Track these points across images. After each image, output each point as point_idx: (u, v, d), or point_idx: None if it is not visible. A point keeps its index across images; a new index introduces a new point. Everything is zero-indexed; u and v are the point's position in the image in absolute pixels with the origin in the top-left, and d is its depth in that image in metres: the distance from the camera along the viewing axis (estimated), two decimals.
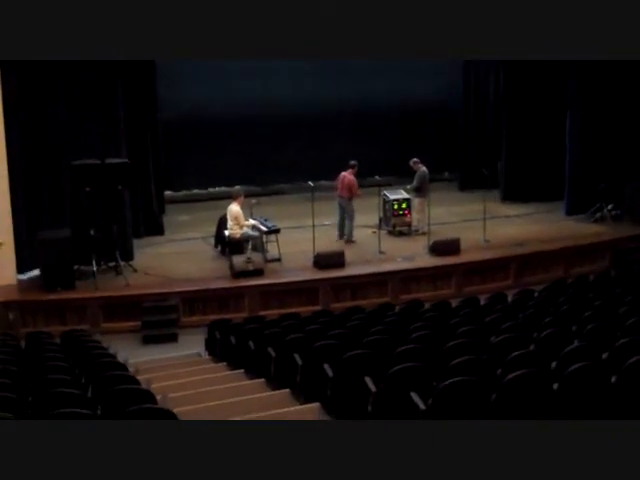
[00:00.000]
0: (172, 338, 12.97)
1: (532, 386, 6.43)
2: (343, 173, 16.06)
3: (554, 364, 7.22)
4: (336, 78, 20.50)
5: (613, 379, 6.59)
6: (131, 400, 6.03)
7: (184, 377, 9.18)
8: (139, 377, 8.49)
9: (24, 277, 13.97)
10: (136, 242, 15.74)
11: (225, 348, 10.89)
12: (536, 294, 11.68)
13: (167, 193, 19.77)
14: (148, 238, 16.38)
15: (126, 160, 13.87)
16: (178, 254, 15.35)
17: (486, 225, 16.01)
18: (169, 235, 16.76)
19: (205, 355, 11.81)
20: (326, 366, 7.92)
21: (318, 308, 13.39)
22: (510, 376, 6.44)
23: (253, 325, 10.71)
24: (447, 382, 6.37)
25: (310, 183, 15.28)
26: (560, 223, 17.01)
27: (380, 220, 16.34)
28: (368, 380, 7.21)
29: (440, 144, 21.40)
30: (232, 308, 13.49)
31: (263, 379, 9.12)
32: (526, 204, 18.50)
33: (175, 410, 6.33)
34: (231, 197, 14.62)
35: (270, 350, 9.20)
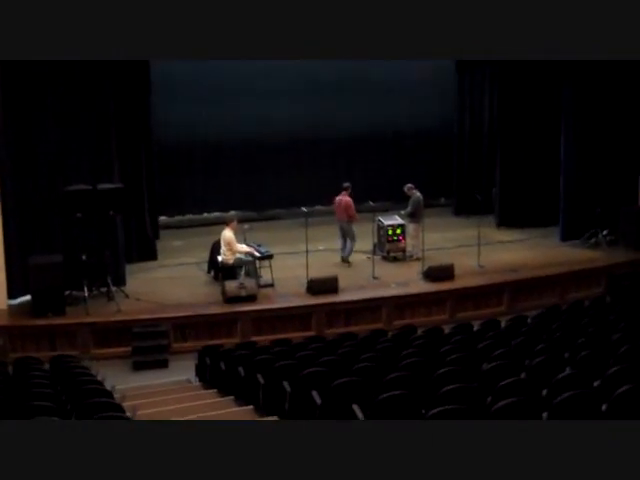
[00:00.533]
0: (163, 364, 12.85)
1: (521, 414, 6.33)
2: (338, 197, 16.07)
3: (545, 392, 7.13)
4: (332, 102, 20.53)
5: (604, 407, 6.49)
6: None
7: (172, 404, 9.07)
8: (125, 404, 8.40)
9: (15, 302, 13.87)
10: (129, 267, 15.64)
11: (215, 374, 10.78)
12: (529, 320, 11.60)
13: (161, 218, 19.78)
14: (141, 263, 16.29)
15: (119, 185, 13.80)
16: (171, 279, 15.26)
17: (481, 251, 15.95)
18: (162, 260, 16.67)
19: (195, 381, 11.70)
20: (314, 393, 7.82)
21: (311, 334, 13.30)
22: (500, 404, 6.35)
23: (243, 351, 10.61)
24: (435, 410, 6.26)
25: (303, 209, 15.24)
26: (555, 249, 16.95)
27: (374, 246, 16.27)
28: (356, 408, 7.11)
29: (436, 169, 21.44)
30: (224, 334, 13.37)
31: (252, 406, 9.04)
32: (521, 230, 18.44)
33: None
34: (225, 222, 14.59)
35: (259, 377, 9.10)
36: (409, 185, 16.41)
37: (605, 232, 16.80)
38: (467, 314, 14.14)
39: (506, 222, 18.91)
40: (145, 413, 8.05)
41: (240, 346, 11.54)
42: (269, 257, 14.68)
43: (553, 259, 16.04)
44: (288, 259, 15.85)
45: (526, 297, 14.85)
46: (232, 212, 14.86)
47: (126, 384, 11.45)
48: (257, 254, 14.54)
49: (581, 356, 8.27)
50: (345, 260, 16.00)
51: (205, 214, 20.23)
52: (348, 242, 16.02)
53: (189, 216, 20.31)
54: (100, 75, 14.06)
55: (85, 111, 14.08)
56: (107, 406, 6.93)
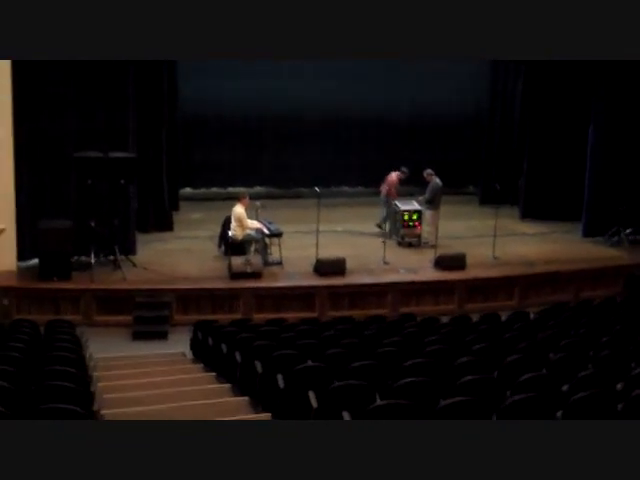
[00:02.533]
0: (162, 335, 12.86)
1: (537, 411, 6.19)
2: (391, 173, 16.87)
3: (565, 388, 7.03)
4: (365, 85, 20.34)
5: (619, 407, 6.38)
6: (52, 398, 5.90)
7: (146, 377, 9.02)
8: (96, 374, 8.41)
9: (25, 265, 14.01)
10: (143, 237, 15.74)
11: (203, 349, 10.77)
12: (531, 316, 11.39)
13: (186, 190, 19.89)
14: (156, 234, 16.33)
15: (132, 154, 13.80)
16: (182, 251, 15.27)
17: (500, 242, 15.66)
18: (178, 232, 16.70)
19: (190, 355, 11.69)
20: (279, 377, 7.74)
21: (314, 315, 13.21)
22: (515, 398, 6.29)
23: (231, 328, 10.53)
24: (449, 401, 6.23)
25: (316, 189, 15.09)
26: (576, 244, 16.55)
27: (380, 223, 16.61)
28: (311, 395, 7.01)
29: (466, 157, 21.14)
30: (226, 309, 13.33)
31: (230, 385, 8.98)
32: (545, 223, 18.04)
33: (103, 412, 6.18)
34: (232, 198, 14.61)
35: (237, 355, 9.04)
36: (428, 171, 16.15)
37: (628, 231, 16.33)
38: (475, 306, 13.88)
39: (531, 214, 18.55)
40: (107, 385, 8.01)
41: (234, 323, 11.46)
42: (278, 235, 14.59)
43: (571, 255, 15.65)
44: (303, 238, 15.71)
45: (538, 292, 14.52)
46: (229, 189, 14.60)
47: (120, 352, 11.54)
48: (266, 231, 14.45)
49: (604, 355, 8.11)
50: (378, 225, 16.83)
51: (230, 188, 20.15)
52: (384, 211, 16.68)
53: (214, 189, 20.30)
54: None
55: (103, 81, 14.10)
56: (60, 374, 6.87)
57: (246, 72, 19.38)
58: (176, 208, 17.99)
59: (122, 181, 13.60)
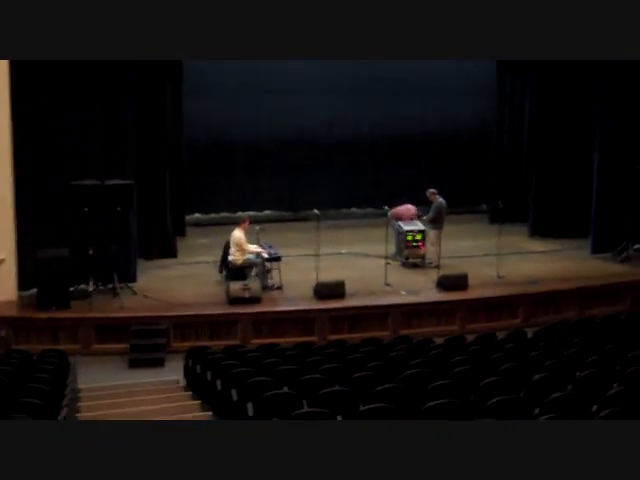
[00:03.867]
0: (159, 363, 12.78)
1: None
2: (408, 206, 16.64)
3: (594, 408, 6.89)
4: (371, 104, 20.33)
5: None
6: None
7: (129, 407, 8.97)
8: (80, 404, 8.37)
9: (27, 294, 14.05)
10: (146, 264, 15.79)
11: (193, 377, 10.69)
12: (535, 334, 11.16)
13: (195, 216, 19.92)
14: (160, 260, 16.33)
15: (128, 181, 13.83)
16: (183, 278, 15.24)
17: (507, 260, 15.53)
18: (182, 258, 16.68)
19: (183, 382, 11.61)
20: (249, 405, 7.62)
21: (314, 339, 13.09)
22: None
23: (219, 355, 10.44)
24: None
25: (316, 211, 14.99)
26: (584, 261, 16.26)
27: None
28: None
29: (477, 175, 20.98)
30: (224, 335, 13.23)
31: (211, 413, 8.89)
32: (555, 240, 17.79)
33: None
34: (236, 222, 14.58)
35: (218, 382, 8.95)
36: (432, 190, 15.98)
37: (637, 246, 16.01)
38: (479, 326, 13.68)
39: (540, 231, 18.34)
40: (87, 415, 7.96)
41: (225, 349, 11.37)
42: (277, 259, 14.50)
43: (578, 272, 15.37)
44: (307, 261, 15.60)
45: (545, 311, 14.26)
46: (241, 213, 14.68)
47: (115, 381, 11.49)
48: (266, 255, 14.37)
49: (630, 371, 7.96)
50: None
51: (239, 213, 20.11)
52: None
53: (224, 214, 20.29)
54: (118, 74, 14.17)
55: (102, 107, 14.21)
56: (26, 406, 6.84)
57: (255, 95, 19.55)
58: (182, 234, 18.01)
59: (119, 208, 13.61)
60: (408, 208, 16.62)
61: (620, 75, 16.17)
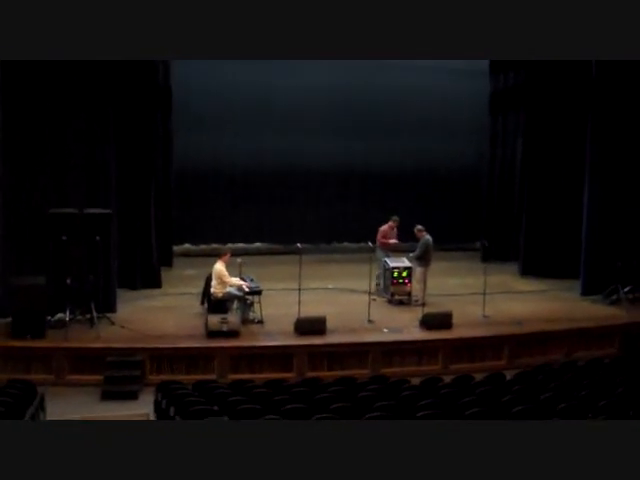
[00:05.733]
0: (132, 396, 12.51)
1: None
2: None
3: None
4: (362, 139, 20.37)
5: None
6: None
7: None
8: None
9: (1, 322, 13.83)
10: (129, 294, 15.64)
11: (160, 411, 10.43)
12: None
13: (185, 246, 19.79)
14: (143, 291, 16.15)
15: (107, 211, 13.68)
16: (165, 309, 15.05)
17: (495, 300, 15.29)
18: (166, 289, 16.50)
19: (153, 416, 11.34)
20: None
21: (291, 375, 12.84)
22: None
23: (184, 390, 10.19)
24: None
25: (298, 245, 14.81)
26: (573, 303, 16.02)
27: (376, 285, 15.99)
28: None
29: (471, 213, 20.82)
30: (201, 369, 12.96)
31: None
32: (545, 280, 17.59)
33: None
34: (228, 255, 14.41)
35: (176, 419, 8.70)
36: (419, 227, 15.79)
37: (627, 289, 15.73)
38: (461, 366, 13.40)
39: (531, 271, 18.12)
40: None
41: (196, 384, 11.10)
42: (258, 292, 14.28)
43: (566, 314, 15.13)
44: (291, 295, 15.38)
45: (529, 353, 13.97)
46: (228, 245, 14.47)
47: (86, 413, 11.22)
48: (246, 288, 14.16)
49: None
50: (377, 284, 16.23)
51: (229, 244, 19.94)
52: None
53: (214, 245, 20.10)
54: (104, 103, 14.10)
55: (85, 136, 14.12)
56: None
57: (245, 127, 19.53)
58: (169, 264, 17.85)
59: (97, 238, 13.43)
60: (390, 225, 16.59)
61: (610, 118, 16.11)
